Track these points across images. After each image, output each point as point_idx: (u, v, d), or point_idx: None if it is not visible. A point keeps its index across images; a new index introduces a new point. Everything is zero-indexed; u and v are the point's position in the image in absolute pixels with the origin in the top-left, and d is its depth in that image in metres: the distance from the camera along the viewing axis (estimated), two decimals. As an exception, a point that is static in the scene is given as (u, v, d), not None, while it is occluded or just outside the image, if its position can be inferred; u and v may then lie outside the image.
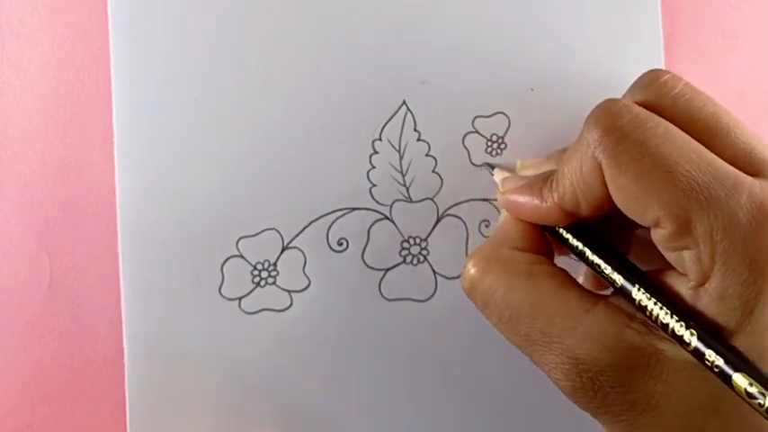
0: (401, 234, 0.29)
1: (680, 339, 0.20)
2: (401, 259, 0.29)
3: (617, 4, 0.30)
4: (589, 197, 0.22)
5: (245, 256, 0.29)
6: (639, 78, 0.24)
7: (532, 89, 0.30)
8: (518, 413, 0.29)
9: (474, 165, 0.29)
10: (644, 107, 0.22)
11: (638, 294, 0.21)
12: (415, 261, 0.29)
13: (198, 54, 0.29)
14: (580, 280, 0.27)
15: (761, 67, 0.31)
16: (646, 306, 0.21)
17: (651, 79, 0.23)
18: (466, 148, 0.29)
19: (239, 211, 0.29)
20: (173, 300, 0.28)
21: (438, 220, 0.29)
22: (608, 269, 0.23)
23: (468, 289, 0.24)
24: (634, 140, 0.21)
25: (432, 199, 0.29)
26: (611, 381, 0.21)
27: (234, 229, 0.29)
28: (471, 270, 0.24)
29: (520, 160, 0.27)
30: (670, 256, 0.21)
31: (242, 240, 0.29)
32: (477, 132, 0.29)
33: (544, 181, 0.24)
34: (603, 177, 0.22)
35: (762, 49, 0.31)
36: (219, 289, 0.28)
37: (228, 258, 0.29)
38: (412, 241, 0.29)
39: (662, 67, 0.30)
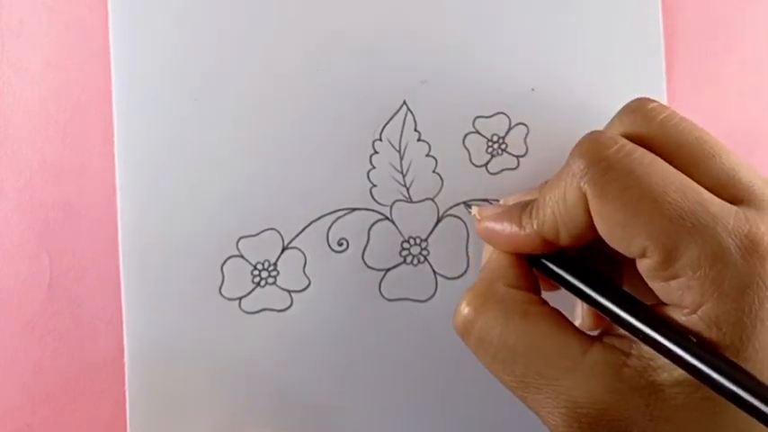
0: (401, 234, 0.29)
1: (680, 361, 0.20)
2: (401, 259, 0.29)
3: (617, 5, 0.30)
4: (571, 227, 0.22)
5: (245, 255, 0.29)
6: (626, 106, 0.24)
7: (533, 89, 0.30)
8: (518, 413, 0.29)
9: (475, 165, 0.29)
10: (631, 134, 0.22)
11: (633, 320, 0.21)
12: (415, 261, 0.29)
13: (198, 54, 0.29)
14: (577, 319, 0.27)
15: (761, 67, 0.31)
16: (642, 331, 0.21)
17: (637, 106, 0.23)
18: (466, 148, 0.29)
19: (239, 210, 0.29)
20: (173, 300, 0.28)
21: (438, 221, 0.29)
22: (599, 297, 0.22)
23: (461, 329, 0.24)
24: (621, 170, 0.21)
25: (432, 199, 0.29)
26: (611, 425, 0.21)
27: (234, 228, 0.29)
28: (465, 309, 0.24)
29: (475, 208, 0.27)
30: (657, 287, 0.21)
31: (242, 240, 0.29)
32: (478, 133, 0.29)
33: (523, 208, 0.24)
34: (587, 207, 0.21)
35: (762, 49, 0.31)
36: (220, 289, 0.28)
37: (229, 258, 0.29)
38: (412, 241, 0.29)
39: (662, 66, 0.30)
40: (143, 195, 0.28)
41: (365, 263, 0.29)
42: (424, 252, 0.29)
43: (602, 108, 0.30)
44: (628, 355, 0.22)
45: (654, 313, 0.21)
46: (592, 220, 0.22)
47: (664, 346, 0.20)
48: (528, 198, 0.26)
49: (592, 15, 0.30)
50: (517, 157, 0.30)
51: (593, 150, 0.22)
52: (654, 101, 0.23)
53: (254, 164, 0.29)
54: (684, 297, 0.20)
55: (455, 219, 0.29)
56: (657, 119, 0.23)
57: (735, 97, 0.31)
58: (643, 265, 0.21)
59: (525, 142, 0.30)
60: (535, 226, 0.23)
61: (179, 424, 0.28)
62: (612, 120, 0.24)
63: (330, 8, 0.29)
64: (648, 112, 0.23)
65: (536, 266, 0.25)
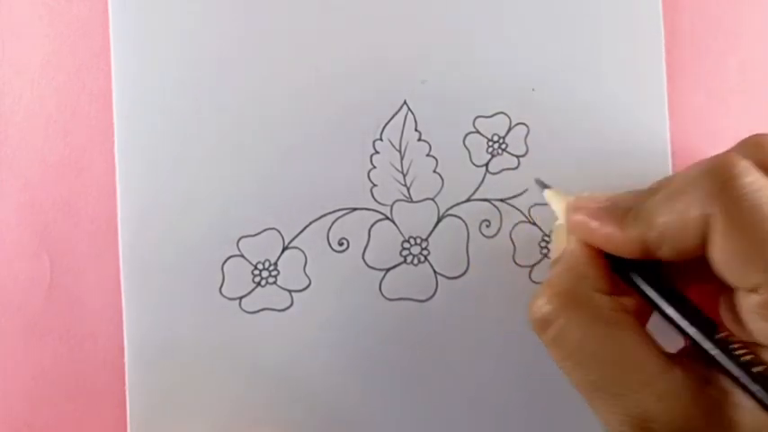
0: (402, 234, 0.29)
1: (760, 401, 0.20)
2: (402, 259, 0.29)
3: (617, 5, 0.30)
4: (678, 243, 0.22)
5: (245, 255, 0.29)
6: (745, 140, 0.23)
7: (533, 89, 0.30)
8: (519, 413, 0.29)
9: (475, 165, 0.29)
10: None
11: (717, 353, 0.21)
12: (415, 261, 0.29)
13: (198, 54, 0.29)
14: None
15: (761, 67, 0.31)
16: (724, 366, 0.21)
17: (759, 143, 0.23)
18: (467, 148, 0.29)
19: (240, 210, 0.29)
20: (173, 299, 0.28)
21: (439, 221, 0.29)
22: (684, 323, 0.22)
23: (538, 323, 0.23)
24: (753, 203, 0.20)
25: (432, 199, 0.29)
26: None
27: (234, 228, 0.29)
28: (546, 306, 0.23)
29: (574, 197, 0.26)
30: (758, 326, 0.21)
31: (242, 240, 0.29)
32: (478, 132, 0.29)
33: (626, 210, 0.23)
34: (705, 229, 0.21)
35: (762, 49, 0.31)
36: (220, 288, 0.28)
37: (229, 258, 0.28)
38: (413, 241, 0.29)
39: (662, 66, 0.30)
40: (143, 195, 0.28)
41: (365, 262, 0.29)
42: (425, 252, 0.29)
43: (602, 108, 0.30)
44: (707, 381, 0.22)
45: (743, 350, 0.21)
46: (703, 243, 0.21)
47: (746, 386, 0.20)
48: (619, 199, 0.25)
49: (592, 15, 0.30)
50: (517, 156, 0.30)
51: (729, 175, 0.21)
52: None
53: (255, 163, 0.29)
54: None
55: (455, 219, 0.29)
56: None
57: (735, 97, 0.31)
58: (750, 301, 0.21)
59: (525, 142, 0.30)
60: (640, 232, 0.23)
61: (179, 424, 0.28)
62: (731, 149, 0.23)
63: (330, 8, 0.29)
64: None
65: (617, 271, 0.24)
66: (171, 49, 0.28)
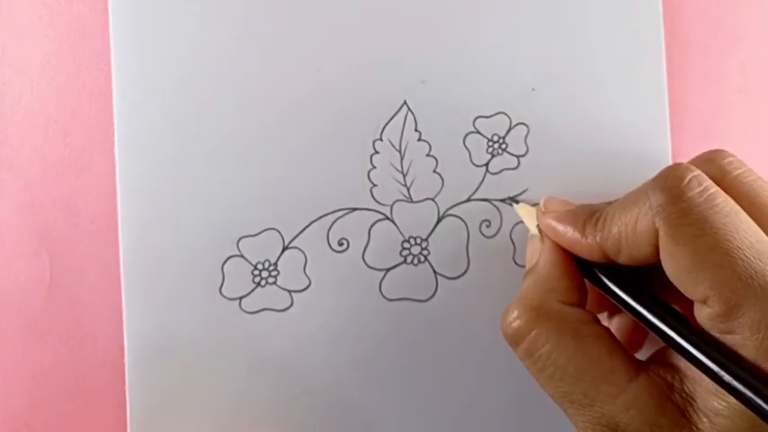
0: (402, 234, 0.29)
1: (733, 391, 0.20)
2: (402, 259, 0.29)
3: (618, 5, 0.30)
4: (634, 251, 0.22)
5: (245, 255, 0.29)
6: (702, 154, 0.23)
7: (533, 89, 0.30)
8: (518, 412, 0.29)
9: (475, 165, 0.29)
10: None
11: (684, 343, 0.21)
12: (415, 261, 0.29)
13: (198, 54, 0.29)
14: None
15: (761, 66, 0.31)
16: (697, 358, 0.21)
17: (715, 157, 0.23)
18: (467, 148, 0.29)
19: (240, 210, 0.29)
20: (173, 299, 0.28)
21: (439, 221, 0.29)
22: (650, 316, 0.22)
23: (510, 338, 0.24)
24: (698, 215, 0.21)
25: (432, 199, 0.29)
26: None
27: (234, 228, 0.29)
28: (517, 321, 0.24)
29: (544, 197, 0.27)
30: (711, 333, 0.21)
31: (242, 240, 0.29)
32: (478, 132, 0.29)
33: (589, 216, 0.24)
34: (655, 241, 0.21)
35: (762, 49, 0.31)
36: (220, 289, 0.28)
37: (229, 258, 0.28)
38: (413, 241, 0.29)
39: (662, 66, 0.30)
40: (143, 195, 0.28)
41: (365, 263, 0.29)
42: (425, 252, 0.29)
43: (602, 108, 0.30)
44: (671, 388, 0.22)
45: (707, 338, 0.21)
46: (657, 252, 0.22)
47: (710, 369, 0.20)
48: (566, 205, 0.26)
49: (592, 15, 0.30)
50: (517, 156, 0.30)
51: (676, 187, 0.21)
52: (731, 154, 0.23)
53: (255, 163, 0.29)
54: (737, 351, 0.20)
55: (455, 219, 0.29)
56: (734, 173, 0.23)
57: (734, 97, 0.31)
58: (702, 312, 0.21)
59: (525, 142, 0.30)
60: (598, 239, 0.23)
61: (179, 424, 0.28)
62: (688, 161, 0.23)
63: (330, 8, 0.29)
64: (726, 164, 0.23)
65: (587, 276, 0.25)
66: (171, 49, 0.28)
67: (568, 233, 0.24)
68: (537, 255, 0.26)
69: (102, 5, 0.29)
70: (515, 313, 0.24)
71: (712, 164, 0.23)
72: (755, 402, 0.20)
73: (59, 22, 0.29)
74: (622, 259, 0.23)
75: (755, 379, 0.20)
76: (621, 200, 0.23)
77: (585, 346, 0.23)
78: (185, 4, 0.28)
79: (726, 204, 0.21)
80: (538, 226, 0.26)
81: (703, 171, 0.22)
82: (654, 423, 0.21)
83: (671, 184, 0.22)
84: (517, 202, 0.29)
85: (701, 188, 0.21)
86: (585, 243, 0.24)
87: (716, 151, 0.24)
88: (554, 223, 0.25)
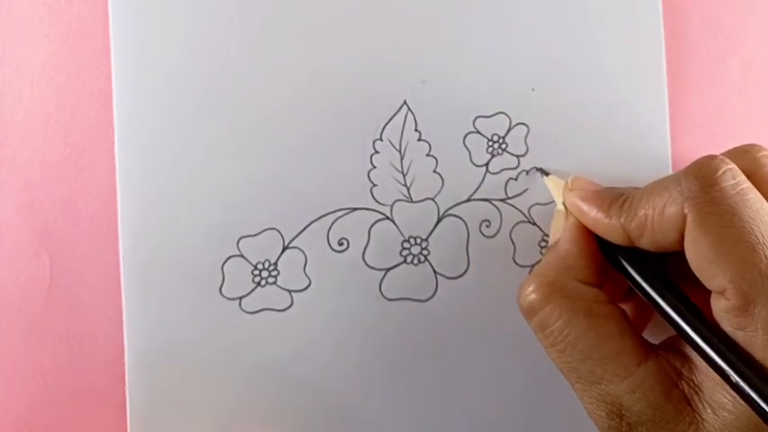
0: (402, 234, 0.29)
1: (740, 391, 0.20)
2: (402, 259, 0.29)
3: (618, 5, 0.30)
4: (658, 236, 0.22)
5: (245, 255, 0.29)
6: (738, 146, 0.24)
7: (533, 89, 0.30)
8: (518, 412, 0.29)
9: (475, 165, 0.29)
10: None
11: (700, 342, 0.21)
12: (415, 261, 0.29)
13: (198, 54, 0.29)
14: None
15: (762, 66, 0.31)
16: (707, 353, 0.21)
17: (751, 149, 0.23)
18: (467, 148, 0.29)
19: (240, 210, 0.29)
20: (173, 299, 0.28)
21: (439, 220, 0.29)
22: (669, 309, 0.23)
23: (525, 310, 0.24)
24: (728, 207, 0.21)
25: (432, 199, 0.29)
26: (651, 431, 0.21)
27: (234, 228, 0.29)
28: (532, 295, 0.24)
29: (572, 176, 0.27)
30: (725, 329, 0.21)
31: (242, 240, 0.29)
32: (478, 132, 0.29)
33: (615, 198, 0.24)
34: (682, 227, 0.21)
35: (762, 49, 0.31)
36: (220, 289, 0.28)
37: (229, 258, 0.28)
38: (413, 241, 0.29)
39: (662, 66, 0.30)
40: (143, 195, 0.28)
41: (365, 262, 0.29)
42: (425, 252, 0.29)
43: (602, 108, 0.30)
44: (679, 375, 0.22)
45: (720, 333, 0.21)
46: (681, 239, 0.22)
47: (719, 366, 0.20)
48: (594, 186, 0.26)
49: (592, 15, 0.30)
50: (517, 156, 0.30)
51: (709, 176, 0.21)
52: (765, 148, 0.23)
53: (255, 163, 0.29)
54: (748, 349, 0.20)
55: (455, 218, 0.29)
56: (767, 167, 0.23)
57: (735, 97, 0.31)
58: (718, 303, 0.21)
59: (525, 142, 0.30)
60: (622, 220, 0.23)
61: (179, 424, 0.28)
62: (722, 153, 0.24)
63: (330, 8, 0.29)
64: (760, 158, 0.23)
65: (607, 257, 0.25)
66: (171, 50, 0.28)
67: (592, 212, 0.24)
68: (560, 231, 0.26)
69: (102, 5, 0.29)
70: (531, 287, 0.24)
71: (747, 155, 0.23)
72: (760, 407, 0.20)
73: (59, 22, 0.29)
74: (644, 243, 0.23)
75: (763, 382, 0.20)
76: (651, 184, 0.23)
77: (597, 325, 0.23)
78: (185, 5, 0.28)
79: (757, 201, 0.21)
80: (564, 203, 0.26)
81: (737, 162, 0.22)
82: (658, 408, 0.22)
83: (705, 172, 0.22)
84: (547, 173, 0.29)
85: (735, 181, 0.21)
86: (609, 223, 0.24)
87: (752, 144, 0.24)
88: (578, 201, 0.25)
